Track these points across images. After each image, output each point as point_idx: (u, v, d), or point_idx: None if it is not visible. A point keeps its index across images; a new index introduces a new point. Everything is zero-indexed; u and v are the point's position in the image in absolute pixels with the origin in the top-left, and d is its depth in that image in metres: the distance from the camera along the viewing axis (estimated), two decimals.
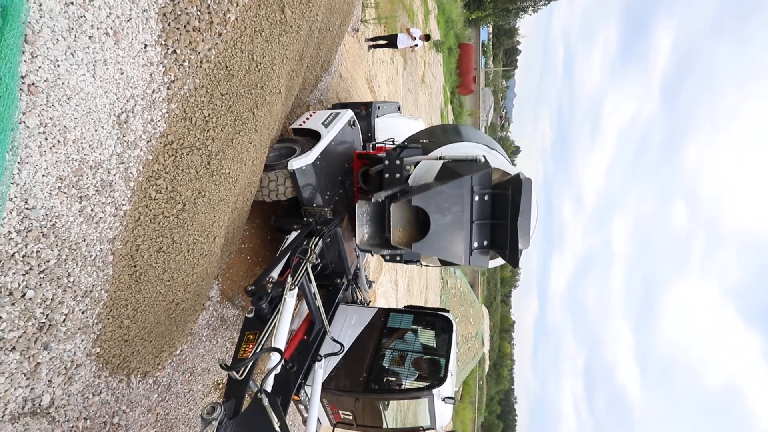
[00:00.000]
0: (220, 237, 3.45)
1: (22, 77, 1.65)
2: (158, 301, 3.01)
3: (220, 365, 2.33)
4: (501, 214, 2.79)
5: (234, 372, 2.30)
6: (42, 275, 2.05)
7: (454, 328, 4.26)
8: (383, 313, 4.35)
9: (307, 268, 3.19)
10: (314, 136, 4.40)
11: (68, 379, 2.40)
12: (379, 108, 5.98)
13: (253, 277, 4.64)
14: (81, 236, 2.23)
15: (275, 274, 3.16)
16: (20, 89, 1.64)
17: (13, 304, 1.93)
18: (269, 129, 3.74)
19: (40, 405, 2.19)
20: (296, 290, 2.97)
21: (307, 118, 4.74)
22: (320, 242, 3.65)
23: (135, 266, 2.69)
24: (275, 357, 2.49)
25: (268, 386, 2.34)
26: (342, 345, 3.74)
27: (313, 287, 3.37)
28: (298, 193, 3.96)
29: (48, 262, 2.07)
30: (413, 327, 4.41)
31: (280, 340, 2.66)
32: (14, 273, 1.91)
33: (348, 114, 4.81)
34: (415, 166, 3.59)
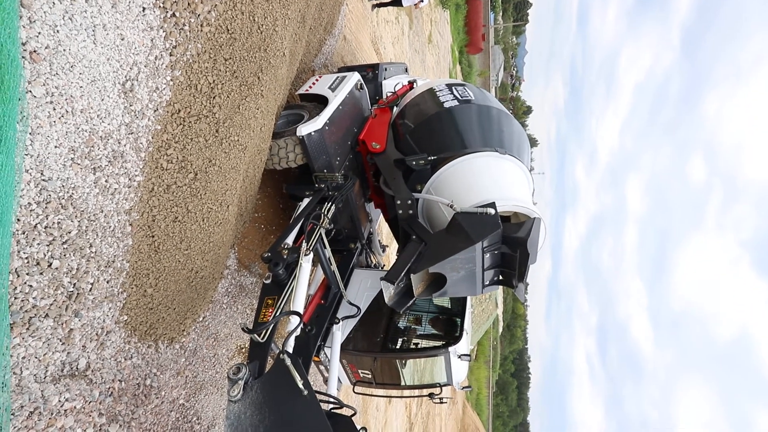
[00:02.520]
0: (233, 205, 3.48)
1: (23, 44, 1.62)
2: (178, 270, 3.09)
3: (243, 329, 2.41)
4: (509, 265, 3.03)
5: (255, 335, 2.38)
6: (65, 246, 2.10)
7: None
8: None
9: (321, 234, 3.22)
10: (322, 101, 4.31)
11: (100, 344, 2.52)
12: (386, 70, 5.82)
13: (268, 245, 4.70)
14: (98, 207, 2.26)
15: (290, 240, 3.20)
16: (22, 57, 1.61)
17: (41, 273, 2.00)
18: (275, 94, 3.67)
19: (77, 368, 2.31)
20: (311, 255, 3.01)
21: (314, 83, 4.64)
22: (333, 207, 3.65)
23: (153, 236, 2.74)
24: (294, 320, 2.56)
25: (290, 348, 2.41)
26: (359, 308, 3.81)
27: (328, 252, 3.41)
28: (308, 160, 3.92)
29: (69, 233, 2.11)
30: None
31: (299, 303, 2.73)
32: (39, 243, 1.96)
33: (355, 77, 4.69)
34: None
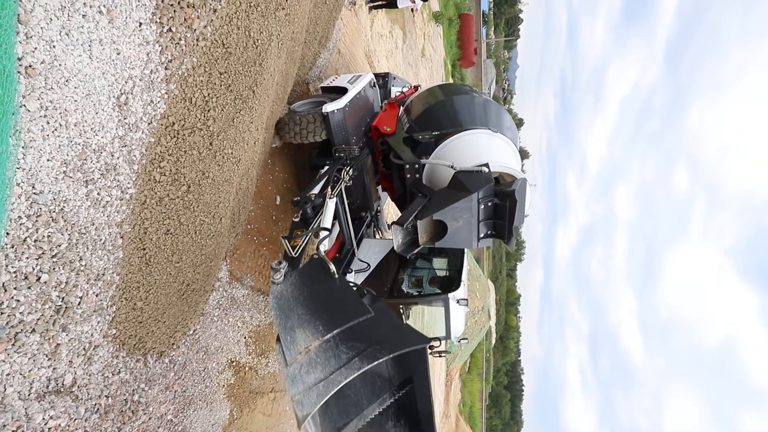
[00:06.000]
0: (226, 218, 3.47)
1: (19, 59, 1.62)
2: (169, 283, 3.06)
3: (281, 237, 2.97)
4: (501, 216, 3.51)
5: (290, 247, 2.81)
6: (55, 259, 2.08)
7: (465, 250, 4.89)
8: None
9: (341, 188, 3.71)
10: (341, 93, 4.83)
11: (88, 359, 2.47)
12: (394, 78, 6.62)
13: (261, 257, 4.71)
14: (89, 220, 2.25)
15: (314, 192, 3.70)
16: (18, 72, 1.61)
17: (29, 287, 1.97)
18: (269, 108, 3.70)
19: (63, 384, 2.27)
20: (335, 199, 3.54)
21: (334, 79, 5.34)
22: (351, 171, 4.15)
23: (144, 249, 2.72)
24: (324, 233, 3.07)
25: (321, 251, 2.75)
26: (368, 264, 4.25)
27: (346, 207, 3.88)
28: (329, 134, 4.44)
29: (59, 246, 2.09)
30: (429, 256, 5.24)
31: (327, 223, 3.25)
32: (28, 257, 1.94)
33: (369, 75, 5.41)
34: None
